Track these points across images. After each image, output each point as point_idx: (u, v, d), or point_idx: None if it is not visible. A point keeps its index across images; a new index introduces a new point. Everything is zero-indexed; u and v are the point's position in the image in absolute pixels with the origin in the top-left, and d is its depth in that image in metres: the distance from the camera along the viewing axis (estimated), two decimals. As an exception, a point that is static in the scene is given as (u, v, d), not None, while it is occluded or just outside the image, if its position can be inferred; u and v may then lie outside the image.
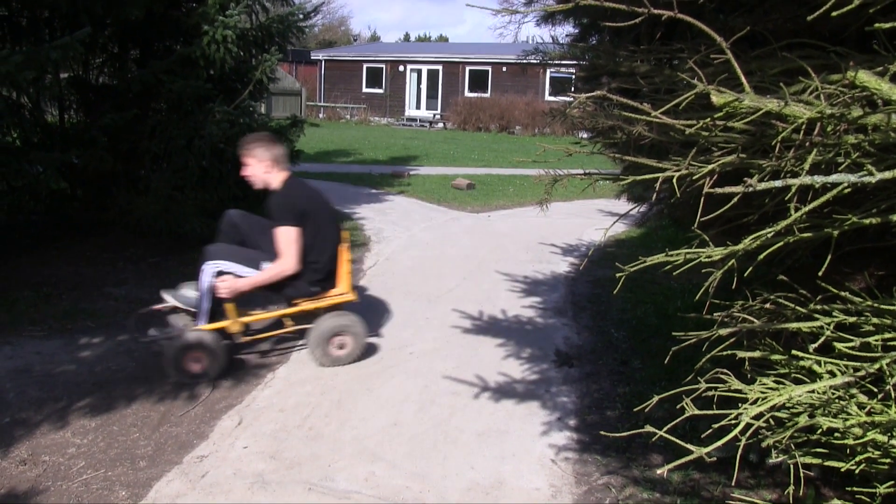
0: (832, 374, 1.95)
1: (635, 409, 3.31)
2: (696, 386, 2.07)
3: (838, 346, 1.86)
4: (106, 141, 5.68)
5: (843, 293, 2.09)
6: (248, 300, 4.15)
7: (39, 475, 2.92)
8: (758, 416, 1.80)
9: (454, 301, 5.50)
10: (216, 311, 3.94)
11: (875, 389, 1.95)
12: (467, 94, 27.11)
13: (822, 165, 1.79)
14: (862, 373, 1.78)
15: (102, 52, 6.47)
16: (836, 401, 1.93)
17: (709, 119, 1.85)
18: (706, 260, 1.95)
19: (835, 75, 1.77)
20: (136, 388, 3.74)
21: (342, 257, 4.12)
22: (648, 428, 1.92)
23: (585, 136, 3.83)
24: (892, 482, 1.98)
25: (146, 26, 6.05)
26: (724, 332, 2.22)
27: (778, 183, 1.68)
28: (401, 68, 28.66)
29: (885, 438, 1.87)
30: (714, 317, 2.36)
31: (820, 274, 1.97)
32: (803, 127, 1.71)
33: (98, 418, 3.43)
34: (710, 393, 2.07)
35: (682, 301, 5.30)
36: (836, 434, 1.97)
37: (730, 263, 1.95)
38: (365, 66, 29.55)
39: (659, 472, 2.90)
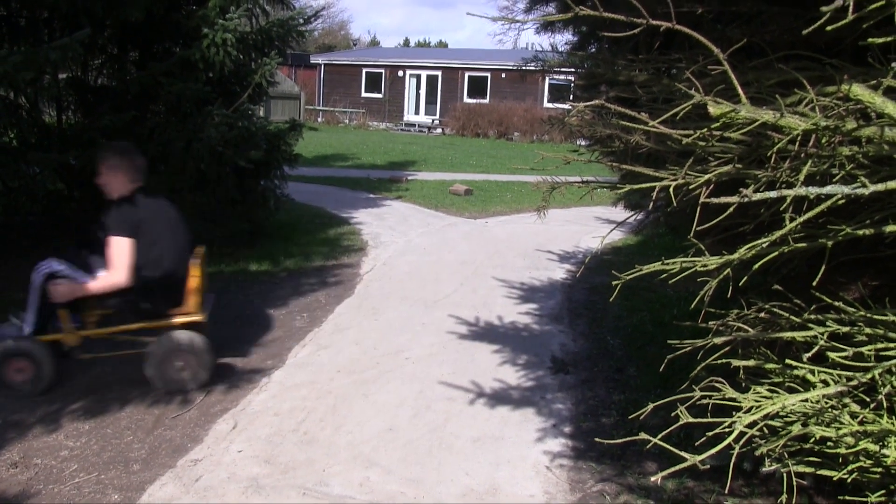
0: (825, 384, 1.96)
1: (630, 417, 3.31)
2: (691, 394, 2.08)
3: (832, 355, 1.88)
4: (104, 142, 5.67)
5: (837, 303, 2.10)
6: (105, 317, 3.92)
7: (31, 478, 2.90)
8: (752, 425, 1.81)
9: (451, 307, 5.50)
10: (49, 321, 3.75)
11: (868, 399, 1.96)
12: (466, 99, 27.17)
13: (816, 176, 1.80)
14: (855, 382, 1.80)
15: (101, 53, 6.47)
16: (830, 410, 1.95)
17: (706, 129, 1.86)
18: (702, 269, 1.96)
19: (830, 87, 1.78)
20: (131, 391, 3.74)
21: (192, 274, 3.87)
22: (643, 435, 1.93)
23: (583, 143, 3.85)
24: (884, 491, 2.00)
25: (146, 28, 6.06)
26: (719, 340, 2.23)
27: (773, 193, 1.69)
28: (400, 73, 28.71)
29: (876, 448, 1.88)
30: (709, 325, 2.37)
31: (814, 284, 1.99)
32: (799, 138, 1.73)
33: (91, 421, 3.42)
34: (704, 401, 2.08)
35: (677, 309, 5.31)
36: (829, 443, 1.98)
37: (725, 272, 1.96)
38: (364, 70, 29.59)
39: (653, 479, 2.91)
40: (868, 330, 1.95)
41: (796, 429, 1.97)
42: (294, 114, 23.03)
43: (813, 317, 2.10)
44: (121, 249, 3.62)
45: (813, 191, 1.66)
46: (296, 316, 5.18)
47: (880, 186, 1.61)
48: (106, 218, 3.71)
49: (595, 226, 9.40)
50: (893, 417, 1.91)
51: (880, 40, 1.57)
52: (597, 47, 3.81)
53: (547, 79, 23.93)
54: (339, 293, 5.81)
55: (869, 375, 1.77)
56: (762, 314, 2.32)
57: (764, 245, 1.83)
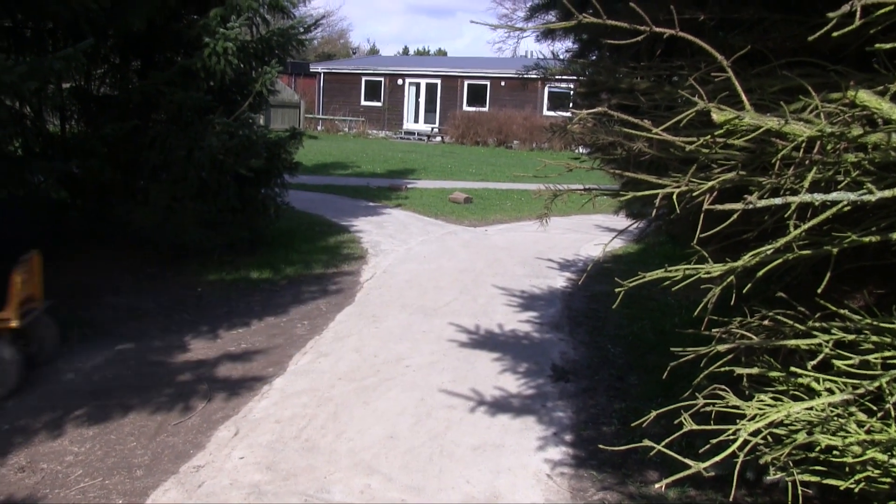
0: (831, 392, 1.95)
1: (632, 425, 3.30)
2: (694, 402, 2.07)
3: (837, 363, 1.87)
4: (106, 151, 5.69)
5: (842, 311, 2.10)
6: None
7: (38, 482, 2.92)
8: (755, 433, 1.80)
9: (451, 315, 5.49)
10: None
11: (875, 408, 1.95)
12: (465, 107, 27.21)
13: (821, 183, 1.80)
14: (861, 391, 1.79)
15: (104, 62, 6.50)
16: (835, 418, 1.93)
17: (709, 136, 1.86)
18: (705, 276, 1.95)
19: (835, 94, 1.78)
20: (134, 398, 3.73)
21: (12, 280, 3.74)
22: (646, 442, 1.91)
23: (584, 151, 3.85)
24: (893, 502, 1.98)
25: (148, 38, 6.08)
26: (722, 348, 2.22)
27: (777, 200, 1.69)
28: (399, 82, 28.77)
29: (885, 457, 1.87)
30: (712, 333, 2.36)
31: (819, 291, 1.98)
32: (803, 145, 1.73)
33: (95, 427, 3.42)
34: (707, 409, 2.07)
35: (679, 317, 5.30)
36: (835, 452, 1.97)
37: (728, 280, 1.95)
38: (364, 79, 29.65)
39: (656, 487, 2.90)
40: (874, 338, 1.94)
41: (801, 437, 1.95)
42: (294, 122, 23.08)
43: (818, 324, 2.09)
44: None
45: (818, 197, 1.65)
46: (296, 323, 5.17)
47: (887, 193, 1.61)
48: None
49: (595, 234, 9.40)
50: (900, 426, 1.89)
51: (888, 46, 1.57)
52: (598, 55, 3.81)
53: (547, 87, 23.96)
54: (339, 301, 5.80)
55: (876, 384, 1.75)
56: (766, 322, 2.31)
57: (768, 252, 1.82)
